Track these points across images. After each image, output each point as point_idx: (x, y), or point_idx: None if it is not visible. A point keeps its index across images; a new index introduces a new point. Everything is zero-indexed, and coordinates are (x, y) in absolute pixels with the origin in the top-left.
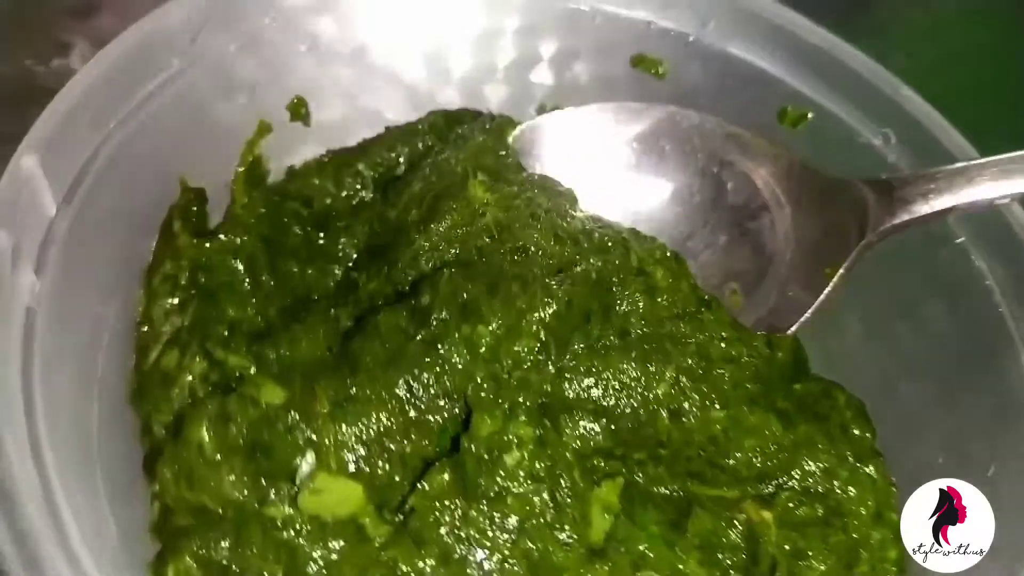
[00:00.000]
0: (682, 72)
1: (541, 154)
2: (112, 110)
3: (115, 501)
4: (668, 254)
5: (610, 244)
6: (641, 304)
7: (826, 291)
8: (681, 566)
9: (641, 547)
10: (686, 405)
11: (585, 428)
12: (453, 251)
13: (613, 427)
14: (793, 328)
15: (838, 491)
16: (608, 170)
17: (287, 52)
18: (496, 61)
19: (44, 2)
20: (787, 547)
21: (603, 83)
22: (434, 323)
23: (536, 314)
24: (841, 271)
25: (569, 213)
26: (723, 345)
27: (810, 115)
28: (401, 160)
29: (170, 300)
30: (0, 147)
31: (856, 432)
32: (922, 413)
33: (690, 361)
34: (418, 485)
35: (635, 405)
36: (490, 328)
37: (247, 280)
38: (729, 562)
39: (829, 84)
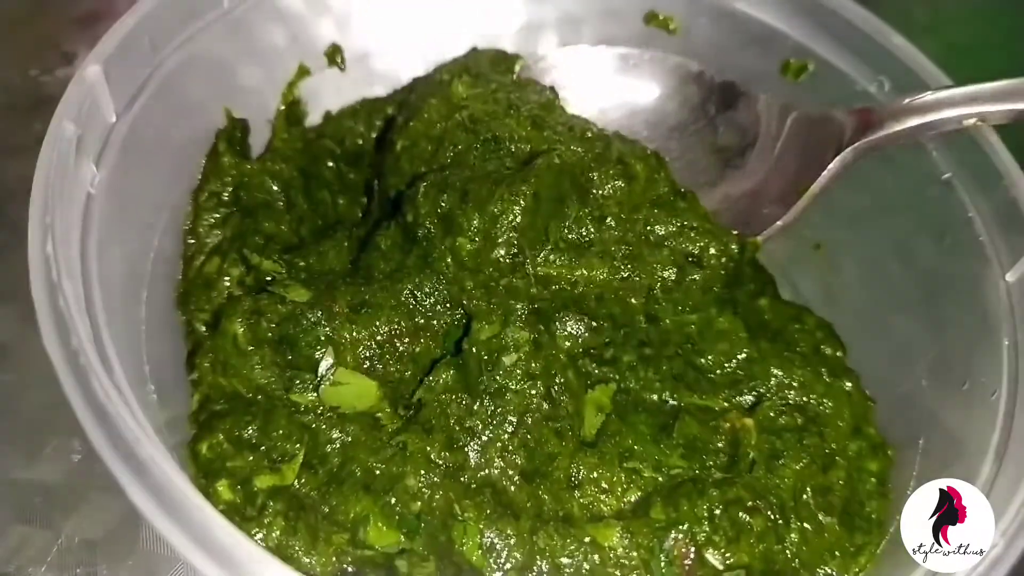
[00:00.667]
0: (691, 29)
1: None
2: (168, 37)
3: (161, 392)
4: (649, 151)
5: (591, 135)
6: (619, 188)
7: (798, 204)
8: (664, 459)
9: (629, 441)
10: (660, 312)
11: (573, 328)
12: (430, 148)
13: (595, 325)
14: (762, 235)
15: (815, 403)
16: (604, 99)
17: (320, 4)
18: (506, 26)
19: (50, 13)
20: (766, 447)
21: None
22: (421, 238)
23: (507, 217)
24: (814, 187)
25: (556, 108)
26: (695, 236)
27: (810, 66)
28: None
29: (214, 215)
30: (8, 155)
31: (828, 351)
32: (911, 342)
33: (664, 272)
34: (425, 380)
35: (616, 311)
36: (468, 237)
37: (282, 201)
38: (712, 462)
39: (828, 36)
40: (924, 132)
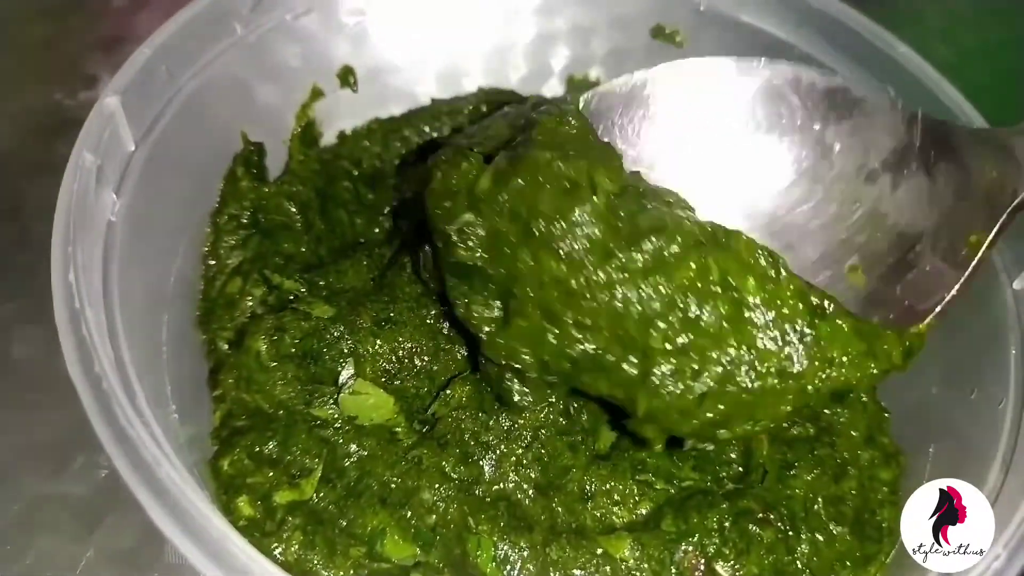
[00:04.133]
0: (698, 41)
1: (614, 122)
2: (185, 64)
3: (182, 411)
4: (758, 249)
5: (670, 258)
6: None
7: (975, 260)
8: (676, 471)
9: (642, 454)
10: None
11: None
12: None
13: None
14: (938, 309)
15: (829, 413)
16: (688, 137)
17: (334, 25)
18: (517, 40)
19: (72, 37)
20: (777, 457)
21: (619, 56)
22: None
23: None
24: (991, 236)
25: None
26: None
27: None
28: (444, 130)
29: (234, 237)
30: (33, 176)
31: None
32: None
33: None
34: (441, 394)
35: None
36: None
37: (300, 222)
38: (724, 473)
39: (833, 46)
40: None
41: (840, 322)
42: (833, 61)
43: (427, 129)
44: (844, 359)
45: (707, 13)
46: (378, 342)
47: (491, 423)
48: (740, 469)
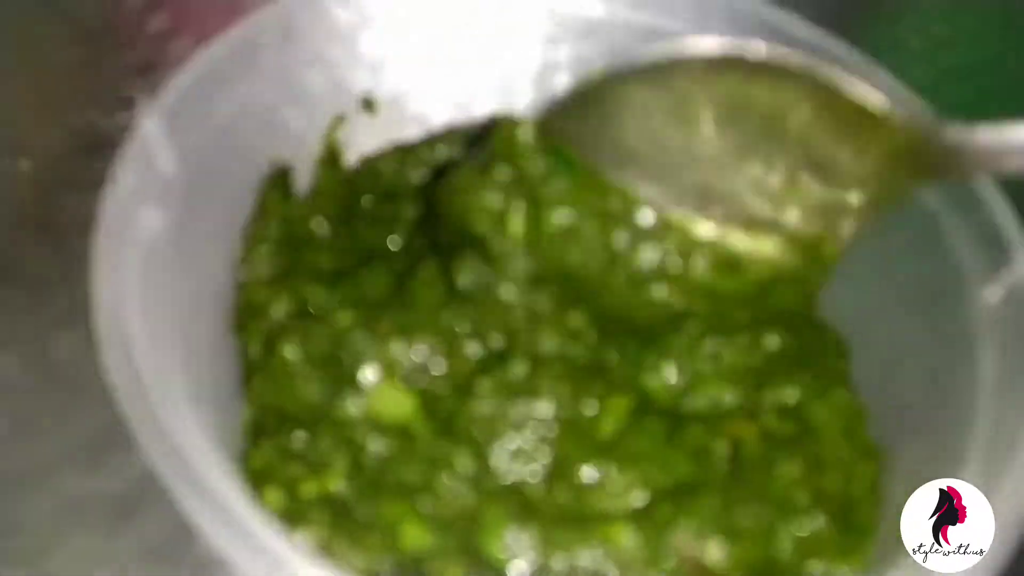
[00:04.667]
0: None
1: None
2: (219, 92)
3: (216, 412)
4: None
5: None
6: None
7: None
8: (672, 462)
9: (641, 445)
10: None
11: None
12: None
13: None
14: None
15: (812, 410)
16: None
17: (356, 56)
18: (525, 68)
19: (106, 62)
20: (764, 452)
21: None
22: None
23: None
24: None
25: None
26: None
27: None
28: (456, 151)
29: (264, 251)
30: (72, 193)
31: (830, 364)
32: (902, 348)
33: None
34: (464, 389)
35: None
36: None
37: (326, 236)
38: (716, 465)
39: None
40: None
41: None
42: None
43: (442, 151)
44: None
45: None
46: (398, 347)
47: (503, 415)
48: (729, 462)
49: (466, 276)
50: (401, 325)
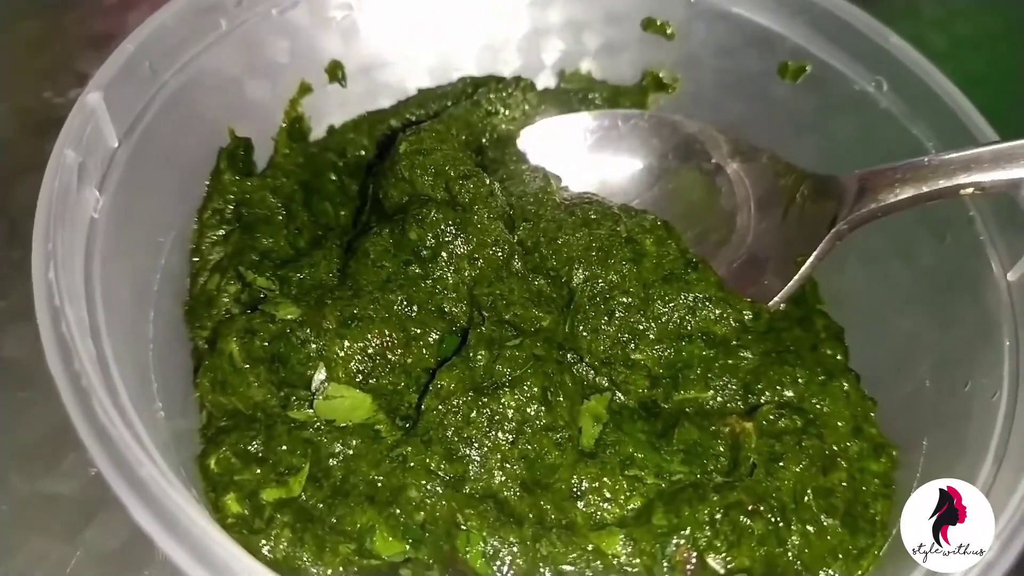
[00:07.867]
0: (689, 33)
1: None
2: (170, 59)
3: (169, 408)
4: (658, 222)
5: (594, 216)
6: (629, 271)
7: (796, 278)
8: (665, 465)
9: (629, 449)
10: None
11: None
12: (432, 170)
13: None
14: (772, 303)
15: (814, 404)
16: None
17: (322, 19)
18: (511, 34)
19: (63, 35)
20: (765, 450)
21: (611, 49)
22: (426, 258)
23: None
24: (811, 260)
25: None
26: (707, 308)
27: (808, 67)
28: (429, 116)
29: (217, 232)
30: (23, 175)
31: (828, 352)
32: (914, 342)
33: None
34: (431, 387)
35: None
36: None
37: (282, 215)
38: (712, 466)
39: (825, 37)
40: (920, 202)
41: (708, 273)
42: (825, 52)
43: (412, 118)
44: (709, 294)
45: (698, 5)
46: (346, 343)
47: (472, 415)
48: (729, 462)
49: (425, 230)
50: (349, 316)
